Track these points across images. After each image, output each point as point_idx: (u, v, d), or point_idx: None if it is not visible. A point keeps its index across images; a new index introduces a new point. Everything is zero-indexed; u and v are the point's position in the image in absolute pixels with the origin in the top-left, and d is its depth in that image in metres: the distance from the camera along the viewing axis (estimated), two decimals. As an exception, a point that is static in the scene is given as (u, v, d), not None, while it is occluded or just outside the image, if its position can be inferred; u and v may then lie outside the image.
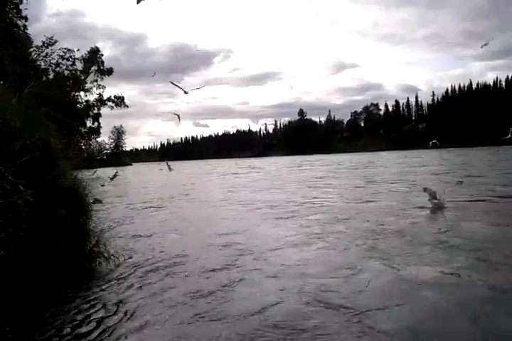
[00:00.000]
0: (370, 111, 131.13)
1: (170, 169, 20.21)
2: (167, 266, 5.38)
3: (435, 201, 8.80)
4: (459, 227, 7.06)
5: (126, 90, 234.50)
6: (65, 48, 35.46)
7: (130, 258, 5.83)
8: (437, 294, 3.94)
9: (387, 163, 34.91)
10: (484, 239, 6.00)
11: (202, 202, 13.24)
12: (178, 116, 13.62)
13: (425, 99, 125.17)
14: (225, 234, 7.37)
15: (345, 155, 68.17)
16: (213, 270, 5.10)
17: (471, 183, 12.88)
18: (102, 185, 18.06)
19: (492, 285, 4.10)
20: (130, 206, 12.79)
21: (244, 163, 52.92)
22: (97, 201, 12.15)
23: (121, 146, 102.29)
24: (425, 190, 9.05)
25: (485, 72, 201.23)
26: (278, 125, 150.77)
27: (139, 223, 9.31)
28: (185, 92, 13.05)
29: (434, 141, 20.22)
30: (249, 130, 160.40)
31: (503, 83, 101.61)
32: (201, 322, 3.57)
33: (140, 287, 4.59)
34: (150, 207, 12.36)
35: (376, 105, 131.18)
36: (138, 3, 8.63)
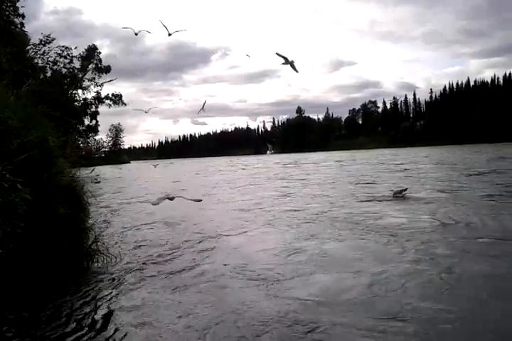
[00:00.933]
0: (368, 109, 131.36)
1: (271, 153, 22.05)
2: (157, 260, 5.69)
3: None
4: (381, 215, 8.37)
5: (124, 88, 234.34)
6: (63, 46, 35.17)
7: (124, 254, 5.93)
8: (341, 264, 5.06)
9: (374, 160, 36.54)
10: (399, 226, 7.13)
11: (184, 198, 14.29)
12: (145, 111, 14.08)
13: (423, 97, 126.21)
14: (199, 223, 8.67)
15: (340, 153, 70.41)
16: (196, 260, 5.62)
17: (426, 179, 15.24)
18: (97, 182, 18.47)
19: (385, 256, 5.32)
20: (123, 201, 13.69)
21: (238, 161, 55.57)
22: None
23: (120, 144, 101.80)
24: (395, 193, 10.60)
25: (482, 70, 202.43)
26: (276, 123, 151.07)
27: (130, 217, 10.04)
28: (146, 112, 14.18)
29: None
30: (247, 128, 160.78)
31: (501, 80, 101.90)
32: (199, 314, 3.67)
33: (135, 282, 4.65)
34: (140, 202, 13.23)
35: (374, 103, 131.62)
36: (169, 35, 9.64)
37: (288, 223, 8.02)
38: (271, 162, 48.91)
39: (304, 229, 7.30)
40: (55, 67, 34.37)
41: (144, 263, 5.48)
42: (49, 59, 33.51)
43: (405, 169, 21.80)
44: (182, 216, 9.91)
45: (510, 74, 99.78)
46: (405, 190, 10.57)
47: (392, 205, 9.56)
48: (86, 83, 37.07)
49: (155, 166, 39.52)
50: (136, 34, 9.61)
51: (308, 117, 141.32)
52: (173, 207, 11.85)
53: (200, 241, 6.78)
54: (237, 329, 3.36)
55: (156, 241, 6.92)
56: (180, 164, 53.07)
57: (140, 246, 6.61)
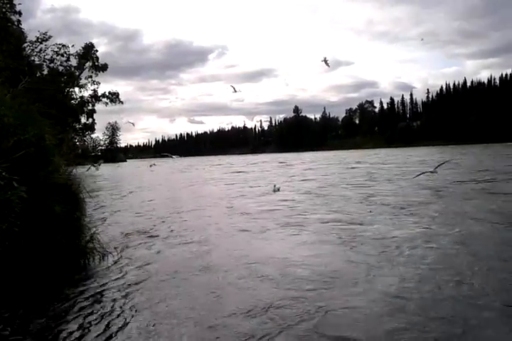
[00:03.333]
0: (365, 109, 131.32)
1: None
2: (153, 254, 5.90)
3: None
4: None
5: (121, 86, 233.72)
6: (60, 44, 34.97)
7: (121, 250, 5.97)
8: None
9: (353, 160, 38.19)
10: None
11: (163, 192, 16.75)
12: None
13: (420, 97, 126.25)
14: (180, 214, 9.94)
15: (330, 152, 72.78)
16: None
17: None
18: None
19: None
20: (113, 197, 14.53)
21: (226, 160, 61.56)
22: None
23: (116, 143, 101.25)
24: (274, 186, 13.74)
25: (478, 71, 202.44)
26: (273, 122, 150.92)
27: (125, 211, 10.68)
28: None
29: None
30: (244, 127, 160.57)
31: (498, 81, 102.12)
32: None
33: (132, 281, 4.63)
34: (125, 196, 15.04)
35: (371, 102, 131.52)
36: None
37: (210, 208, 10.79)
38: (255, 161, 50.85)
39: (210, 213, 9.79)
40: (52, 64, 34.17)
41: (139, 259, 5.50)
42: (46, 57, 33.32)
43: (351, 167, 25.71)
44: (165, 209, 10.73)
45: (506, 75, 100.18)
46: (279, 187, 13.68)
47: (266, 196, 12.44)
48: (83, 81, 36.89)
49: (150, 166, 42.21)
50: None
51: (306, 117, 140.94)
52: (155, 197, 13.74)
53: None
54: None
55: (149, 233, 7.24)
56: (169, 162, 56.15)
57: (135, 241, 6.72)
